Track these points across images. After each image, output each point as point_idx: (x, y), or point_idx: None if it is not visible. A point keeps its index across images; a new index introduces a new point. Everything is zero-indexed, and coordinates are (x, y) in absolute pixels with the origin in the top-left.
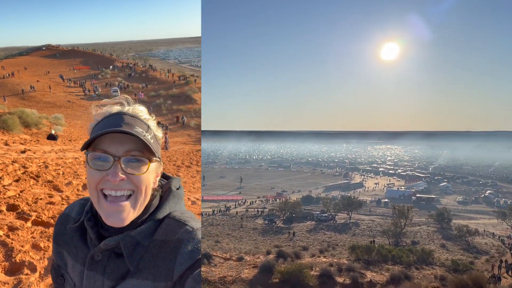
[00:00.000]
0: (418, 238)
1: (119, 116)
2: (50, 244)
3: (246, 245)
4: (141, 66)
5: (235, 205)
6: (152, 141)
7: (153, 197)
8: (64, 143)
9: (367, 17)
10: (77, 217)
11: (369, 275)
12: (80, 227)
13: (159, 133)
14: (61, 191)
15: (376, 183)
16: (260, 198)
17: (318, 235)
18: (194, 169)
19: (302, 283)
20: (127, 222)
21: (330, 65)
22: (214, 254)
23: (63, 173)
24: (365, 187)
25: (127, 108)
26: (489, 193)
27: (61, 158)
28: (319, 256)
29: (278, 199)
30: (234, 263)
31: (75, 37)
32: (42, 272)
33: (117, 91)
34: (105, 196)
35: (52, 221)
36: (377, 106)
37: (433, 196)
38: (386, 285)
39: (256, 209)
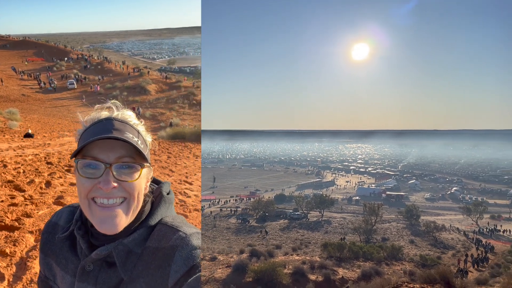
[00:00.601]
0: (388, 235)
1: (108, 122)
2: (17, 249)
3: (219, 244)
4: (96, 58)
5: (209, 204)
6: (142, 146)
7: (144, 203)
8: (22, 139)
9: (339, 17)
10: (66, 225)
11: (341, 272)
12: (69, 236)
13: (149, 137)
14: (23, 191)
15: (347, 181)
16: (234, 197)
17: (291, 233)
18: (152, 158)
19: (275, 282)
20: (121, 228)
21: (302, 65)
22: None
23: (23, 172)
24: (336, 185)
25: (116, 114)
26: (455, 189)
27: (20, 156)
28: (292, 254)
29: (251, 198)
30: (207, 263)
31: (25, 27)
32: (11, 279)
33: (73, 84)
34: (96, 204)
35: (16, 223)
36: (348, 106)
37: (402, 193)
38: (357, 281)
39: (229, 209)
